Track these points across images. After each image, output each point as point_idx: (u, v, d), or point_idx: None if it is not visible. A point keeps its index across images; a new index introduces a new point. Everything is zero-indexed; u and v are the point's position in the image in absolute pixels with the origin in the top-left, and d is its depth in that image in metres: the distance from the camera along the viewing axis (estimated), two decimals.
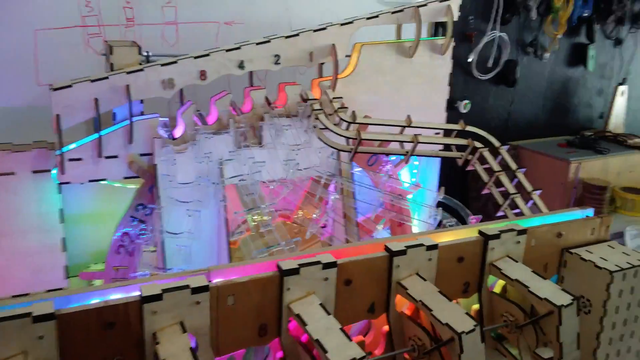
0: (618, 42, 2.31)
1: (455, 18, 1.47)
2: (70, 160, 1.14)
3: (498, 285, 1.09)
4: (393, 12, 1.40)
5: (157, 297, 0.71)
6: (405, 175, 1.57)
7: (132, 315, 0.70)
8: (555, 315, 0.90)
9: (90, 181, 1.17)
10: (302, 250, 1.34)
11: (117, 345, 0.70)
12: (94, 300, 0.71)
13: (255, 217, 1.26)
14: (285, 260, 0.81)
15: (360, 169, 1.42)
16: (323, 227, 1.40)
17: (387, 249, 0.89)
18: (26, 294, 1.18)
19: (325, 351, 0.72)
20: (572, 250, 1.11)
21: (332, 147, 1.28)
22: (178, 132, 1.22)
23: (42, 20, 1.29)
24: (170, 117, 1.25)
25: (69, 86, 1.09)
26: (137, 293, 0.71)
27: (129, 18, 1.37)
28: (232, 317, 0.77)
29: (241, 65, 1.24)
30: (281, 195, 1.29)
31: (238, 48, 1.23)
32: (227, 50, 1.21)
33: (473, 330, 0.79)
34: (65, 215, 1.25)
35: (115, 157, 1.18)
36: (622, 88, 2.34)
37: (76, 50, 1.34)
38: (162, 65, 1.16)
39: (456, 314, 0.82)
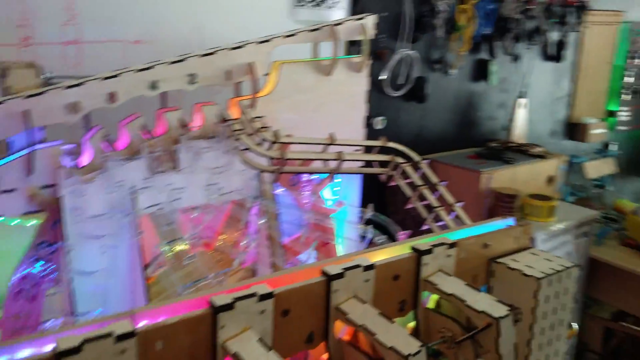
0: (516, 57, 2.44)
1: (371, 36, 1.47)
2: None
3: (431, 301, 1.08)
4: (310, 31, 1.38)
5: (75, 351, 0.62)
6: (327, 194, 1.55)
7: None
8: (494, 328, 0.90)
9: None
10: (229, 279, 1.27)
11: None
12: None
13: (176, 248, 1.18)
14: (218, 295, 0.74)
15: (283, 189, 1.38)
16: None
17: (324, 272, 0.84)
18: None
19: None
20: (499, 260, 1.13)
21: (255, 168, 1.23)
22: (85, 160, 1.11)
23: None
24: (76, 143, 1.14)
25: None
26: (52, 346, 0.61)
27: (25, 37, 1.24)
28: None
29: (154, 86, 1.16)
30: (203, 222, 1.22)
31: (150, 68, 1.14)
32: (139, 71, 1.13)
33: (419, 352, 0.77)
34: None
35: (12, 190, 1.06)
36: (522, 100, 2.48)
37: None
38: (67, 87, 1.06)
39: (400, 336, 0.79)
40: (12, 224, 1.07)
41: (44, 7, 1.27)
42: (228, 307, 0.74)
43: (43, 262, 1.10)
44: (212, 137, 1.23)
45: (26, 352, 0.62)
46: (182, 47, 1.48)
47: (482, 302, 0.94)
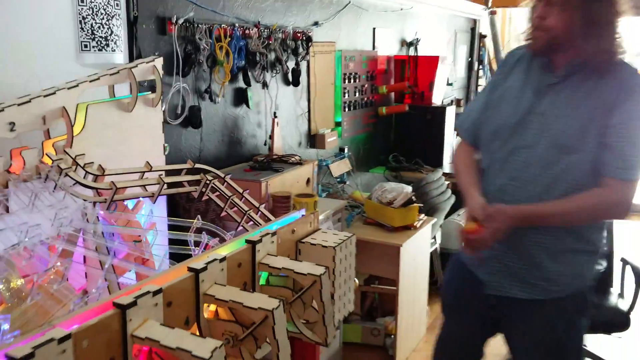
0: (265, 84, 2.85)
1: (161, 75, 1.67)
2: None
3: (262, 279, 1.34)
4: (111, 75, 1.52)
5: (30, 356, 0.73)
6: (141, 216, 1.68)
7: None
8: (318, 282, 1.21)
9: None
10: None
11: None
12: None
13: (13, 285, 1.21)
14: (120, 297, 0.89)
15: (104, 216, 1.48)
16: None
17: (190, 269, 1.05)
18: None
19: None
20: (303, 240, 1.46)
21: (85, 200, 1.33)
22: None
23: None
24: None
25: None
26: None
27: None
28: None
29: None
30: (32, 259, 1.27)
31: None
32: None
33: (278, 307, 1.03)
34: None
35: None
36: (276, 120, 2.89)
37: None
38: None
39: (261, 300, 1.04)
40: None
41: None
42: (133, 304, 0.90)
43: None
44: (40, 177, 1.29)
45: None
46: None
47: (305, 267, 1.25)
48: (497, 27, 6.00)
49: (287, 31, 2.93)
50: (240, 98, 2.68)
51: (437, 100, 4.66)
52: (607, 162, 1.50)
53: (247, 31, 2.61)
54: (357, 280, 1.67)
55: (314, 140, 3.38)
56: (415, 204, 3.01)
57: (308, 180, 2.73)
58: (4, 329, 1.03)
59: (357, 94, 3.91)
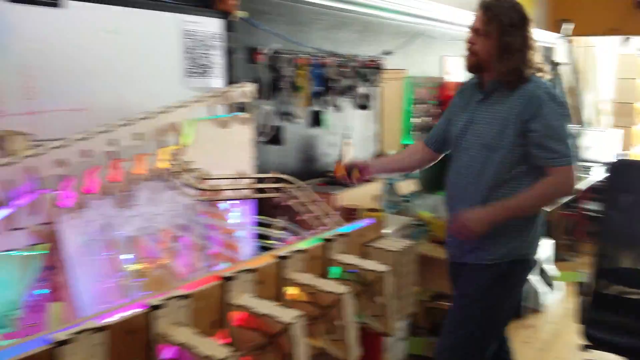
0: (338, 108, 3.09)
1: (253, 99, 1.95)
2: None
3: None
4: (214, 97, 1.80)
5: (162, 306, 0.98)
6: (234, 217, 1.94)
7: None
8: (382, 277, 1.41)
9: (3, 252, 1.27)
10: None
11: None
12: None
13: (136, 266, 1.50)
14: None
15: (205, 214, 1.75)
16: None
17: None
18: None
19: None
20: (369, 244, 1.67)
21: (193, 199, 1.60)
22: (70, 202, 1.39)
23: None
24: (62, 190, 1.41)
25: None
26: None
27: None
28: None
29: (113, 143, 1.48)
30: (151, 246, 1.55)
31: (110, 131, 1.47)
32: (103, 133, 1.45)
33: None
34: None
35: (22, 229, 1.30)
36: (346, 140, 3.13)
37: None
38: (57, 148, 1.35)
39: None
40: (24, 254, 1.31)
41: (10, 87, 1.52)
42: (233, 278, 1.14)
43: (47, 281, 1.34)
44: (158, 178, 1.58)
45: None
46: (110, 111, 1.80)
47: (371, 264, 1.45)
48: (574, 55, 5.99)
49: (360, 60, 3.17)
50: (316, 120, 2.94)
51: None
52: (542, 157, 1.86)
53: (324, 60, 2.87)
54: (417, 288, 1.85)
55: None
56: None
57: (375, 197, 2.93)
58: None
59: (425, 117, 4.08)
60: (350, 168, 2.15)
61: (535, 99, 1.85)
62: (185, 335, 0.96)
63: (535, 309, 3.80)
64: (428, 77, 4.09)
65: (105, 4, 1.74)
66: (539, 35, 5.35)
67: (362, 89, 3.27)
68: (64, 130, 1.64)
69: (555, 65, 6.20)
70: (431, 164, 2.29)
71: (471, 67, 1.96)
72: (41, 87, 1.59)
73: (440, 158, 2.25)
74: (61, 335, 0.83)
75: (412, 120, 3.91)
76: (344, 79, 3.08)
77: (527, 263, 2.03)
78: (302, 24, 2.80)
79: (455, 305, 2.10)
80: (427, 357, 3.32)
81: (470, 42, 1.92)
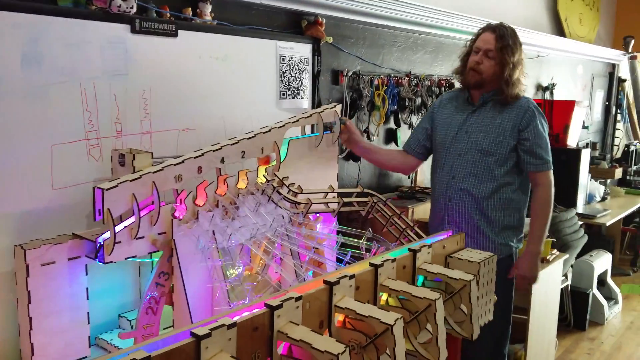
0: (411, 125, 3.14)
1: (340, 119, 2.03)
2: (115, 243, 1.37)
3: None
4: (306, 118, 1.90)
5: (278, 307, 1.06)
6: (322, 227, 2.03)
7: None
8: (468, 286, 1.45)
9: (126, 259, 1.40)
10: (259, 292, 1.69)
11: None
12: None
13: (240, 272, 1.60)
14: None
15: (297, 224, 1.84)
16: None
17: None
18: None
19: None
20: (452, 255, 1.70)
21: (288, 210, 1.70)
22: (183, 214, 1.51)
23: (58, 137, 1.49)
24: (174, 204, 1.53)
25: (116, 186, 1.34)
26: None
27: (118, 131, 1.62)
28: None
29: (222, 160, 1.61)
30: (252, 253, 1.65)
31: (220, 149, 1.59)
32: (214, 150, 1.57)
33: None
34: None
35: (142, 237, 1.43)
36: None
37: (80, 158, 1.54)
38: (175, 164, 1.47)
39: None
40: (143, 260, 1.43)
41: (129, 110, 1.67)
42: (336, 282, 1.21)
43: (163, 286, 1.47)
44: (251, 193, 1.68)
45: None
46: (214, 131, 1.94)
47: (457, 274, 1.49)
48: (637, 71, 5.78)
49: (433, 79, 3.21)
50: (391, 137, 2.99)
51: (572, 142, 4.63)
52: (530, 162, 2.10)
53: (400, 80, 2.94)
54: (496, 296, 1.86)
55: None
56: (549, 239, 3.08)
57: None
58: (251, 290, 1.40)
59: None
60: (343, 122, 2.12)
61: (528, 112, 2.10)
62: (302, 332, 1.04)
63: (597, 322, 3.76)
64: None
65: (215, 33, 1.88)
66: (604, 53, 5.14)
67: None
68: (174, 148, 1.79)
69: (620, 81, 6.00)
70: (409, 172, 2.61)
71: (475, 84, 2.12)
72: (156, 109, 1.74)
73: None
74: (201, 330, 0.93)
75: None
76: (417, 97, 3.13)
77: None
78: (380, 46, 2.87)
79: None
80: None
81: (477, 62, 2.09)
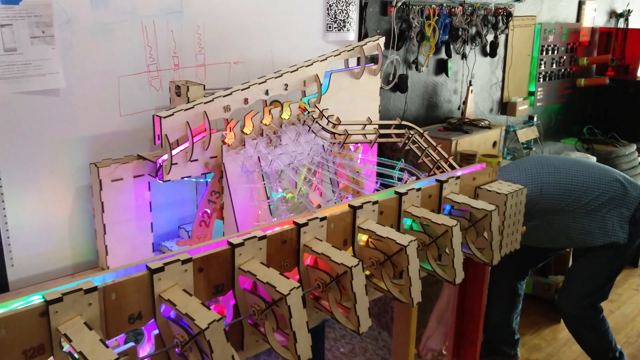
0: (464, 56, 3.12)
1: (383, 51, 2.10)
2: (172, 164, 1.57)
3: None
4: (348, 51, 1.98)
5: (305, 225, 1.23)
6: (360, 157, 2.17)
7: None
8: (490, 215, 1.56)
9: (182, 178, 1.61)
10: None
11: None
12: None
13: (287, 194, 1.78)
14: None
15: (337, 153, 1.99)
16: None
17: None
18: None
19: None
20: (481, 187, 1.80)
21: (326, 140, 1.84)
22: (232, 140, 1.69)
23: (123, 69, 1.68)
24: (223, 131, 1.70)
25: (172, 115, 1.52)
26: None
27: (176, 64, 1.79)
28: None
29: (267, 92, 1.75)
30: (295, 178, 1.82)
31: (264, 82, 1.73)
32: (259, 84, 1.71)
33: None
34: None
35: (196, 160, 1.63)
36: (470, 87, 3.17)
37: (143, 89, 1.74)
38: (224, 96, 1.63)
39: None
40: (197, 180, 1.63)
41: (185, 44, 1.83)
42: (360, 207, 1.36)
43: (214, 203, 1.68)
44: (293, 123, 1.82)
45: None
46: (262, 64, 2.07)
47: (480, 204, 1.60)
48: None
49: (490, 8, 3.14)
50: (441, 68, 3.01)
51: None
52: None
53: (453, 9, 2.90)
54: (525, 227, 1.96)
55: (505, 107, 3.57)
56: None
57: (495, 143, 2.98)
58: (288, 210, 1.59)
59: (554, 65, 3.93)
60: None
61: None
62: (324, 247, 1.21)
63: None
64: (561, 23, 3.90)
65: None
66: None
67: (489, 37, 3.25)
68: (226, 80, 1.95)
69: None
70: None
71: None
72: (209, 43, 1.88)
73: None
74: (236, 240, 1.12)
75: (540, 67, 3.80)
76: (471, 27, 3.09)
77: None
78: None
79: None
80: (534, 295, 3.41)
81: None
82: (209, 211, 1.67)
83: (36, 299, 0.89)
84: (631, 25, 4.47)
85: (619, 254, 2.45)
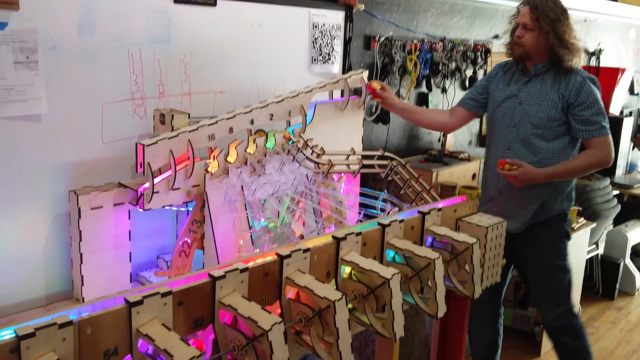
0: (444, 90, 3.17)
1: (367, 84, 2.11)
2: (154, 192, 1.53)
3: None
4: (333, 83, 1.99)
5: (287, 256, 1.21)
6: (342, 187, 2.16)
7: None
8: (471, 248, 1.55)
9: (163, 207, 1.57)
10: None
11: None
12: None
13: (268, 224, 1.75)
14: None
15: (319, 183, 1.97)
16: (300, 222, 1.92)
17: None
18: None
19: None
20: (462, 219, 1.80)
21: (310, 170, 1.83)
22: (215, 169, 1.67)
23: (108, 96, 1.66)
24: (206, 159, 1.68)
25: (155, 142, 1.50)
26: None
27: (161, 92, 1.78)
28: None
29: (252, 122, 1.73)
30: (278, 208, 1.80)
31: (250, 111, 1.72)
32: (245, 113, 1.70)
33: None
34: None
35: (178, 189, 1.60)
36: None
37: (127, 116, 1.71)
38: (209, 125, 1.61)
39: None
40: (178, 208, 1.60)
41: (171, 73, 1.82)
42: (344, 238, 1.34)
43: (195, 232, 1.64)
44: (284, 152, 1.81)
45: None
46: (248, 94, 2.06)
47: (462, 237, 1.59)
48: None
49: (469, 44, 3.20)
50: (422, 101, 3.04)
51: (614, 110, 4.51)
52: (584, 129, 2.13)
53: (433, 45, 2.95)
54: (504, 260, 1.95)
55: (483, 140, 3.60)
56: (574, 207, 3.10)
57: (474, 175, 3.00)
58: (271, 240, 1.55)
59: None
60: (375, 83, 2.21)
61: (578, 81, 2.11)
62: (307, 280, 1.18)
63: (628, 292, 3.75)
64: None
65: (251, 1, 1.97)
66: None
67: (468, 72, 3.30)
68: (211, 109, 1.93)
69: None
70: (454, 129, 2.46)
71: (520, 57, 2.18)
72: (195, 72, 1.87)
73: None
74: (217, 272, 1.08)
75: None
76: (451, 62, 3.14)
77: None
78: (415, 12, 2.89)
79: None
80: (513, 328, 3.40)
81: (518, 36, 2.16)
82: (189, 241, 1.63)
83: (7, 334, 0.84)
84: (602, 64, 4.60)
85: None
